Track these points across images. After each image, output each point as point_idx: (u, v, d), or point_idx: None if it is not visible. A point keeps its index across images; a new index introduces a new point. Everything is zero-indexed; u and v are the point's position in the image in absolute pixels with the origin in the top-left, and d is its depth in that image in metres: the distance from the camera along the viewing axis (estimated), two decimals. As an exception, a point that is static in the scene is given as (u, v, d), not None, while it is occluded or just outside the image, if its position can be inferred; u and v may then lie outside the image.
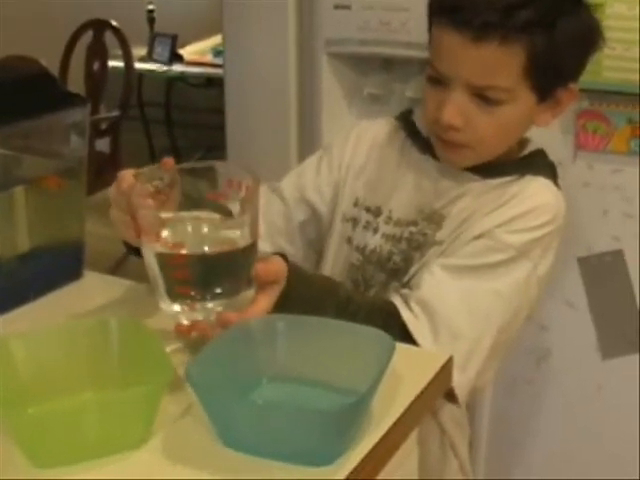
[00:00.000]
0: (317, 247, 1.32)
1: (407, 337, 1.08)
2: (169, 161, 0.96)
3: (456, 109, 1.11)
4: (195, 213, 0.96)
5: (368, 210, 1.25)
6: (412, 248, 1.20)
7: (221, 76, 2.20)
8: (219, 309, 0.93)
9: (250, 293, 0.96)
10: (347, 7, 1.84)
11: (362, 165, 1.28)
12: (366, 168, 1.28)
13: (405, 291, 1.14)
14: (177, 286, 0.92)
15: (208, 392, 0.83)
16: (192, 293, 0.92)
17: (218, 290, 0.93)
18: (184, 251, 0.92)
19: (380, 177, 1.26)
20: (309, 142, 1.34)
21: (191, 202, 0.96)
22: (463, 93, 1.11)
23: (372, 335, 0.91)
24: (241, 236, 0.93)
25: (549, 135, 1.20)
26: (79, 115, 1.17)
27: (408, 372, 0.94)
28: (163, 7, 4.94)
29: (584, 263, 1.75)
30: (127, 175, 0.97)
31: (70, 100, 1.18)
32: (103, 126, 3.76)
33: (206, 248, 0.94)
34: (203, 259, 0.93)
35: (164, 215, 0.93)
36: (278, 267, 1.01)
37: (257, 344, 0.93)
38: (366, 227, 1.25)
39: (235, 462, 0.81)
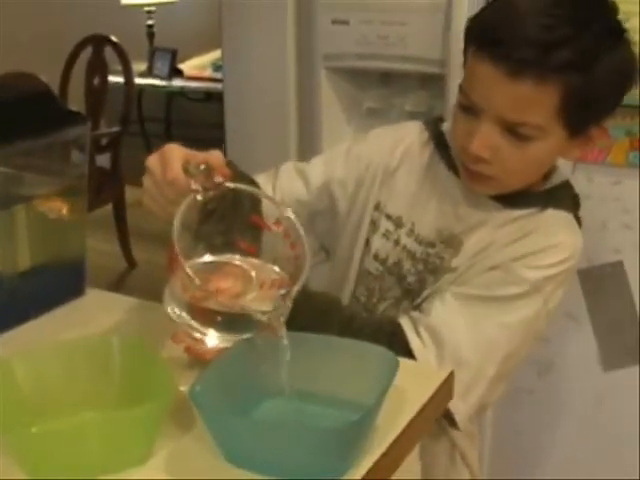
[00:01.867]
0: (326, 242, 1.30)
1: (409, 357, 1.08)
2: (225, 171, 0.95)
3: (485, 141, 1.08)
4: (236, 259, 0.96)
5: (389, 218, 1.24)
6: (427, 270, 1.19)
7: (221, 91, 2.21)
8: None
9: None
10: (345, 22, 1.85)
11: (392, 170, 1.25)
12: (395, 174, 1.25)
13: (415, 314, 1.14)
14: (201, 316, 0.91)
15: (211, 411, 0.83)
16: (216, 326, 0.91)
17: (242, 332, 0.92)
18: (213, 306, 0.90)
19: (406, 188, 1.24)
20: (309, 157, 1.34)
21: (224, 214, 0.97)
22: (493, 126, 1.07)
23: (376, 352, 0.91)
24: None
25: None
26: (80, 133, 1.18)
27: (409, 387, 0.94)
28: (163, 22, 4.95)
29: (584, 275, 1.75)
30: (176, 160, 0.94)
31: (70, 118, 1.19)
32: (103, 142, 3.76)
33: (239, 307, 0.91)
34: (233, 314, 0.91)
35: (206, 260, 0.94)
36: None
37: (261, 361, 0.93)
38: (386, 236, 1.23)
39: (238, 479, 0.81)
